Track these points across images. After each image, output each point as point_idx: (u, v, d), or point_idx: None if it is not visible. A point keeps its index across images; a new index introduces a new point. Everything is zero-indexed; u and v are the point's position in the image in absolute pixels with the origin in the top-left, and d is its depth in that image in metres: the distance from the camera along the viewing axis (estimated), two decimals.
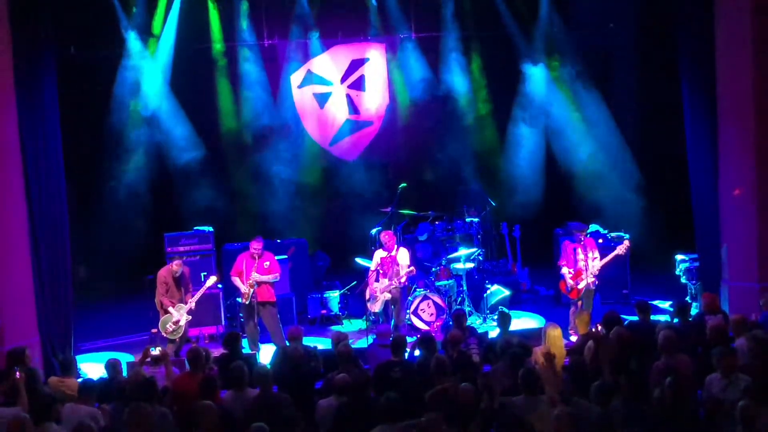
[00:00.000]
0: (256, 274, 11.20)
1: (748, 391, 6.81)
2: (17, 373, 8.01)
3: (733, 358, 7.49)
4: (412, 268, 11.59)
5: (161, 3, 14.32)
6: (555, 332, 8.85)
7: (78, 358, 10.63)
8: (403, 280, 11.61)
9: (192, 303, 11.13)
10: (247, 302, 11.24)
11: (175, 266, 11.14)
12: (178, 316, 11.00)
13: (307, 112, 15.97)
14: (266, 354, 10.93)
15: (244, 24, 14.93)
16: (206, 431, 6.94)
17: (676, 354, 7.94)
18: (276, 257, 11.72)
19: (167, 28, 14.40)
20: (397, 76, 15.80)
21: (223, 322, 12.53)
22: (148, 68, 14.55)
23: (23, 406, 7.67)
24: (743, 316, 8.84)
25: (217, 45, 15.02)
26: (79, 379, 8.71)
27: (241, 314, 11.79)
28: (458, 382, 7.47)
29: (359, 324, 12.71)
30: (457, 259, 12.82)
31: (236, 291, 11.84)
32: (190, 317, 11.15)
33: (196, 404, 7.17)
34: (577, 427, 6.54)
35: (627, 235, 12.77)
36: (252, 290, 11.19)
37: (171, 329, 11.01)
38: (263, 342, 11.47)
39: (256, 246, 11.29)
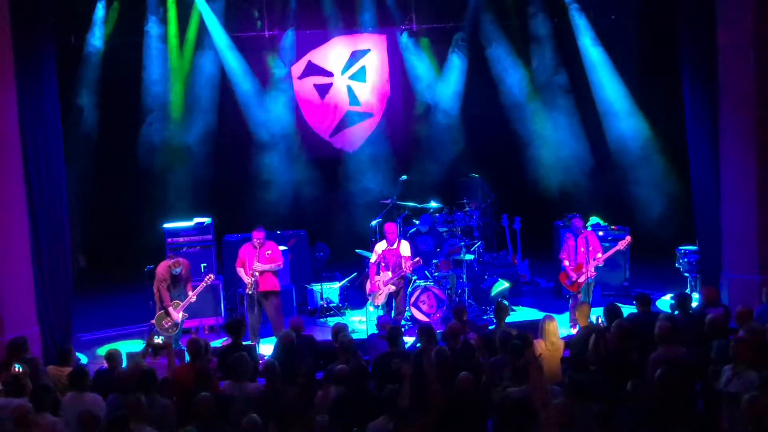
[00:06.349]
0: (258, 264, 11.19)
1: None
2: (16, 368, 7.99)
3: (746, 349, 7.34)
4: (418, 258, 11.56)
5: None
6: (552, 325, 8.86)
7: (77, 350, 10.60)
8: (410, 271, 11.59)
9: (193, 297, 11.11)
10: (250, 292, 11.24)
11: (173, 265, 11.05)
12: (175, 315, 11.00)
13: (307, 103, 15.94)
14: (266, 346, 10.97)
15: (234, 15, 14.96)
16: (202, 422, 6.95)
17: (674, 345, 7.90)
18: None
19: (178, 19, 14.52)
20: (400, 67, 15.76)
21: (223, 314, 12.51)
22: (156, 56, 14.60)
23: (28, 397, 7.65)
24: (749, 308, 8.79)
25: (215, 36, 14.97)
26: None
27: (243, 305, 11.78)
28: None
29: (359, 315, 12.69)
30: (458, 251, 12.80)
31: (237, 282, 11.81)
32: (187, 315, 11.14)
33: (193, 395, 7.16)
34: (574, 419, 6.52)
35: (628, 229, 12.75)
36: (254, 280, 11.18)
37: (167, 325, 11.00)
38: (264, 335, 11.45)
39: (257, 236, 11.28)
